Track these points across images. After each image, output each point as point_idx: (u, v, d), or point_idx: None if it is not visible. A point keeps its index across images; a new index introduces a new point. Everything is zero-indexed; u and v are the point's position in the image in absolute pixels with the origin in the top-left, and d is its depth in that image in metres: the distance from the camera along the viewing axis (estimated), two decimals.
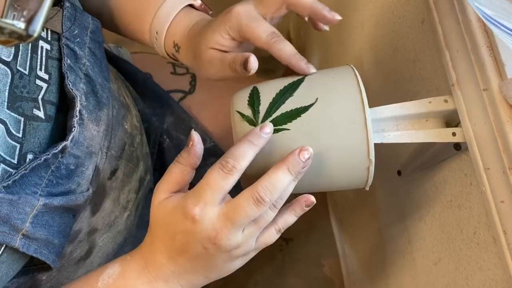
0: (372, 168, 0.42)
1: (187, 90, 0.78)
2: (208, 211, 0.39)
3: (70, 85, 0.43)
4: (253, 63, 0.42)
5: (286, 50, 0.43)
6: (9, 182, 0.37)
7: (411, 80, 0.59)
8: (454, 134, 0.45)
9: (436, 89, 0.51)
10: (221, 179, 0.39)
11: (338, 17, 0.43)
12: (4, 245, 0.38)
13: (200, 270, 0.43)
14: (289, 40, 1.42)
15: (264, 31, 0.43)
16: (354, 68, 0.45)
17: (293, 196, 0.44)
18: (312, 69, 0.44)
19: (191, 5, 0.53)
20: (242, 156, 0.40)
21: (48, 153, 0.40)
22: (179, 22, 0.51)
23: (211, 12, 0.54)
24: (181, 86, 0.78)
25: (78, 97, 0.43)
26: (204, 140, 0.74)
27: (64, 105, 0.44)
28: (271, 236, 0.43)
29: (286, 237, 1.27)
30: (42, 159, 0.39)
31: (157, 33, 0.52)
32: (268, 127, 0.41)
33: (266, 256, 1.25)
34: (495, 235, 0.42)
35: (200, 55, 0.48)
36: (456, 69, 0.45)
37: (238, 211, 0.39)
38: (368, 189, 0.45)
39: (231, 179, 0.40)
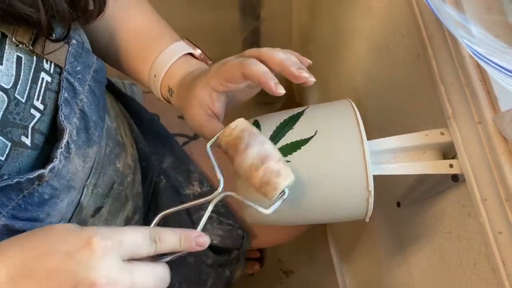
0: (371, 200, 0.43)
1: (192, 135, 0.79)
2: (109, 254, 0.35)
3: (63, 117, 0.43)
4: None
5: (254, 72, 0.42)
6: None
7: (409, 113, 0.60)
8: (451, 166, 0.46)
9: (433, 121, 0.52)
10: (141, 243, 0.37)
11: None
12: None
13: None
14: None
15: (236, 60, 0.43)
16: (351, 102, 0.46)
17: (293, 227, 0.44)
18: (282, 90, 0.41)
19: (191, 54, 0.55)
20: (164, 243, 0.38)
21: (22, 176, 0.39)
22: (176, 68, 0.53)
23: (210, 62, 0.56)
24: (186, 131, 0.80)
25: (69, 130, 0.44)
26: (201, 183, 0.75)
27: (53, 137, 0.45)
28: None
29: (287, 269, 1.25)
30: (14, 181, 0.39)
31: (155, 76, 0.54)
32: (203, 238, 0.40)
33: None
34: (495, 266, 0.42)
35: (186, 108, 0.49)
36: (451, 103, 0.46)
37: None
38: (368, 220, 0.46)
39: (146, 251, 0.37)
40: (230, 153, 0.42)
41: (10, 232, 0.40)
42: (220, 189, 0.41)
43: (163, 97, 0.56)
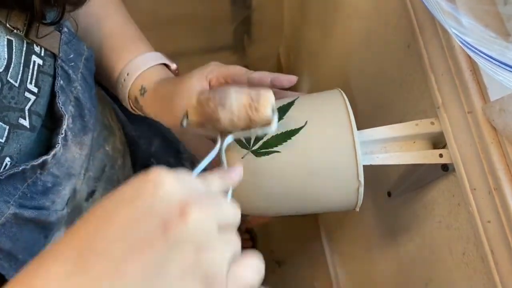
0: (361, 190, 0.43)
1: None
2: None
3: (60, 104, 0.44)
4: None
5: (263, 72, 0.48)
6: None
7: (399, 103, 0.60)
8: (441, 155, 0.46)
9: (423, 111, 0.53)
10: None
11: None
12: None
13: None
14: (279, 64, 1.44)
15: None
16: (342, 92, 0.46)
17: (281, 218, 0.44)
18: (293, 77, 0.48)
19: (167, 66, 0.56)
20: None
21: (27, 163, 0.40)
22: (153, 72, 0.53)
23: None
24: None
25: (66, 117, 0.44)
26: (192, 163, 0.75)
27: (50, 122, 0.45)
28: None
29: (279, 259, 1.26)
30: (20, 168, 0.39)
31: (127, 74, 0.54)
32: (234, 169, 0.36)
33: None
34: (483, 255, 0.42)
35: (174, 100, 0.49)
36: (441, 92, 0.46)
37: None
38: (358, 210, 0.46)
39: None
40: (208, 120, 0.40)
41: (19, 220, 0.40)
42: (218, 140, 0.41)
43: (128, 98, 0.55)
